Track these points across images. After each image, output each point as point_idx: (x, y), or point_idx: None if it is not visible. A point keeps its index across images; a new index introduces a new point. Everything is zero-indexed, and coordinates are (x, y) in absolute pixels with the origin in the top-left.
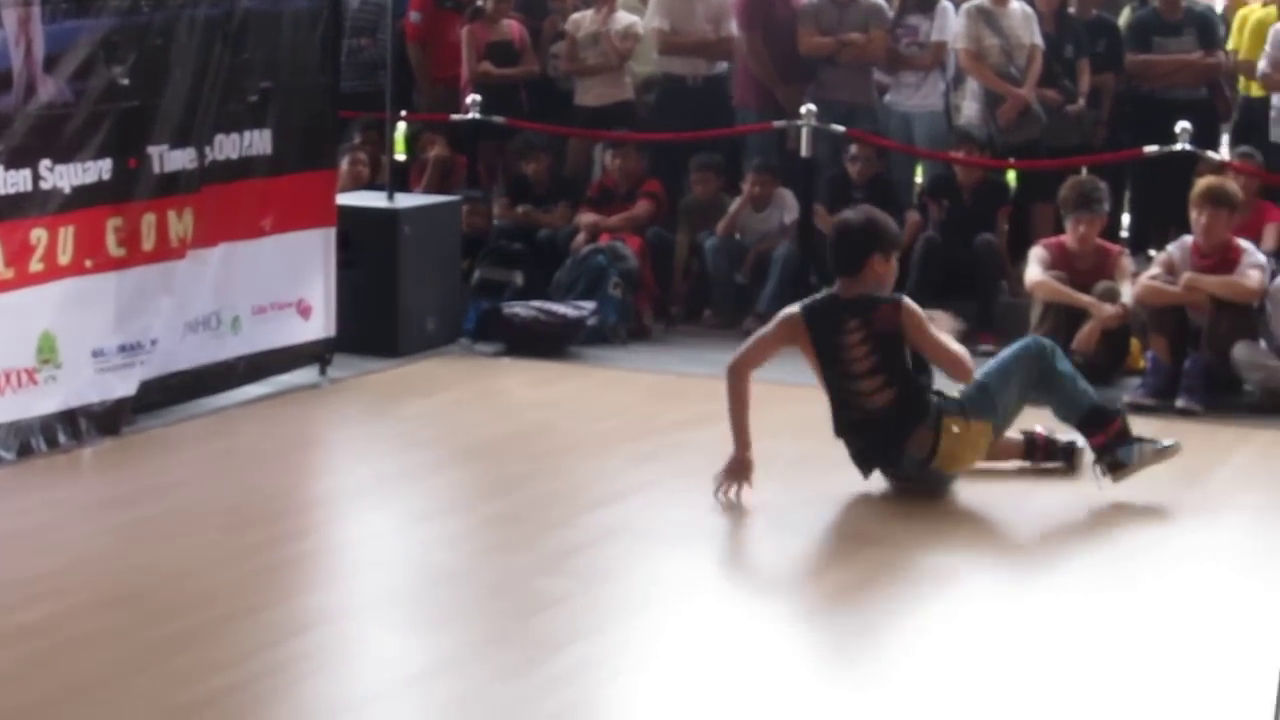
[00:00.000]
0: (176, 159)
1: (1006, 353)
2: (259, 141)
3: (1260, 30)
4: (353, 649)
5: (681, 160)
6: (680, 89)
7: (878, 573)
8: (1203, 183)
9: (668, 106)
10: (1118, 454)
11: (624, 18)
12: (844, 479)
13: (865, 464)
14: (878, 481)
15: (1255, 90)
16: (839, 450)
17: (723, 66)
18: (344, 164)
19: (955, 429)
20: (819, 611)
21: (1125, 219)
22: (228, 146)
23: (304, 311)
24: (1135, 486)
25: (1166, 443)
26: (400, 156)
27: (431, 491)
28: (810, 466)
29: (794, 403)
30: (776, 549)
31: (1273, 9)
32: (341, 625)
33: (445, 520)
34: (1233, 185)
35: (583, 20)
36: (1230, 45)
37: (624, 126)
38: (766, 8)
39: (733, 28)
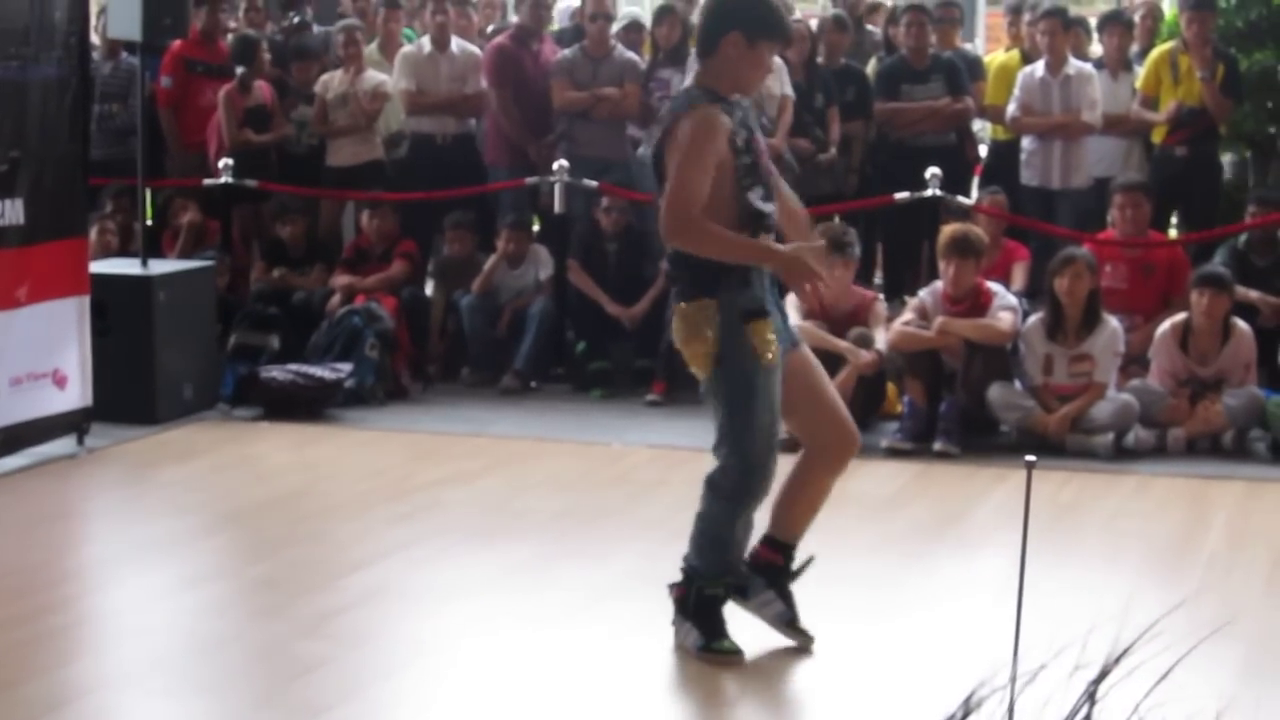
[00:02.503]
0: None
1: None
2: (10, 211)
3: (1003, 75)
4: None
5: (434, 219)
6: (429, 147)
7: (641, 622)
8: (947, 232)
9: (418, 165)
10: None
11: (372, 77)
12: (604, 531)
13: None
14: (637, 534)
15: (1002, 134)
16: (600, 502)
17: (471, 123)
18: (93, 233)
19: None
20: (583, 665)
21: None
22: None
23: (60, 382)
24: (898, 526)
25: (735, 647)
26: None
27: (192, 558)
28: (571, 520)
29: (551, 457)
30: (538, 603)
31: (1015, 54)
32: (104, 696)
33: (207, 587)
34: (977, 232)
35: (331, 81)
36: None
37: (376, 186)
38: (516, 65)
39: (479, 84)
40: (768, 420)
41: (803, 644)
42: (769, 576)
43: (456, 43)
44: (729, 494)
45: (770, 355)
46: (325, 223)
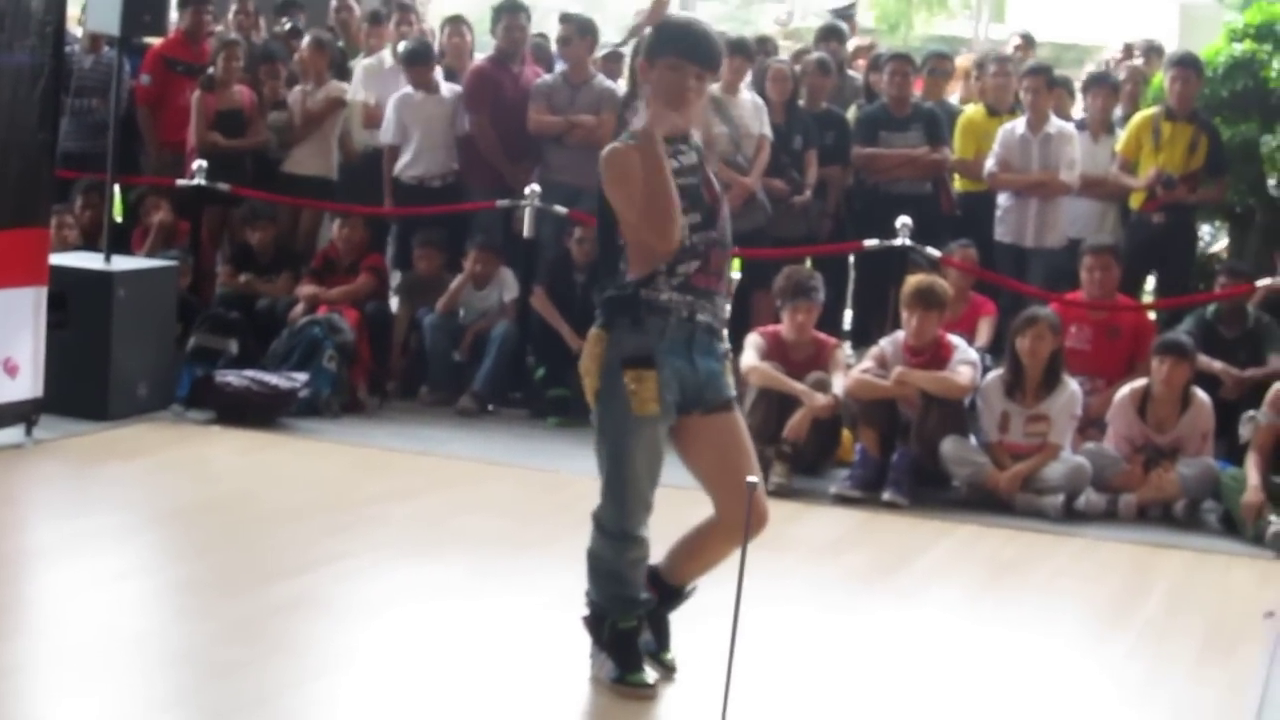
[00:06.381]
0: None
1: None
2: None
3: (968, 129)
4: (15, 713)
5: (388, 234)
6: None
7: (560, 650)
8: (911, 283)
9: (372, 178)
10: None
11: (335, 87)
12: (536, 558)
13: None
14: (569, 563)
15: (967, 185)
16: (538, 528)
17: None
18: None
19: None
20: (498, 688)
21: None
22: None
23: (11, 370)
24: (833, 571)
25: (649, 680)
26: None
27: (122, 554)
28: (506, 544)
29: (497, 480)
30: (461, 624)
31: (980, 108)
32: (6, 684)
33: (132, 583)
34: (942, 285)
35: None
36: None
37: (327, 198)
38: (495, 87)
39: None
40: (639, 471)
41: (664, 675)
42: None
43: None
44: (610, 533)
45: (647, 408)
46: (301, 229)
